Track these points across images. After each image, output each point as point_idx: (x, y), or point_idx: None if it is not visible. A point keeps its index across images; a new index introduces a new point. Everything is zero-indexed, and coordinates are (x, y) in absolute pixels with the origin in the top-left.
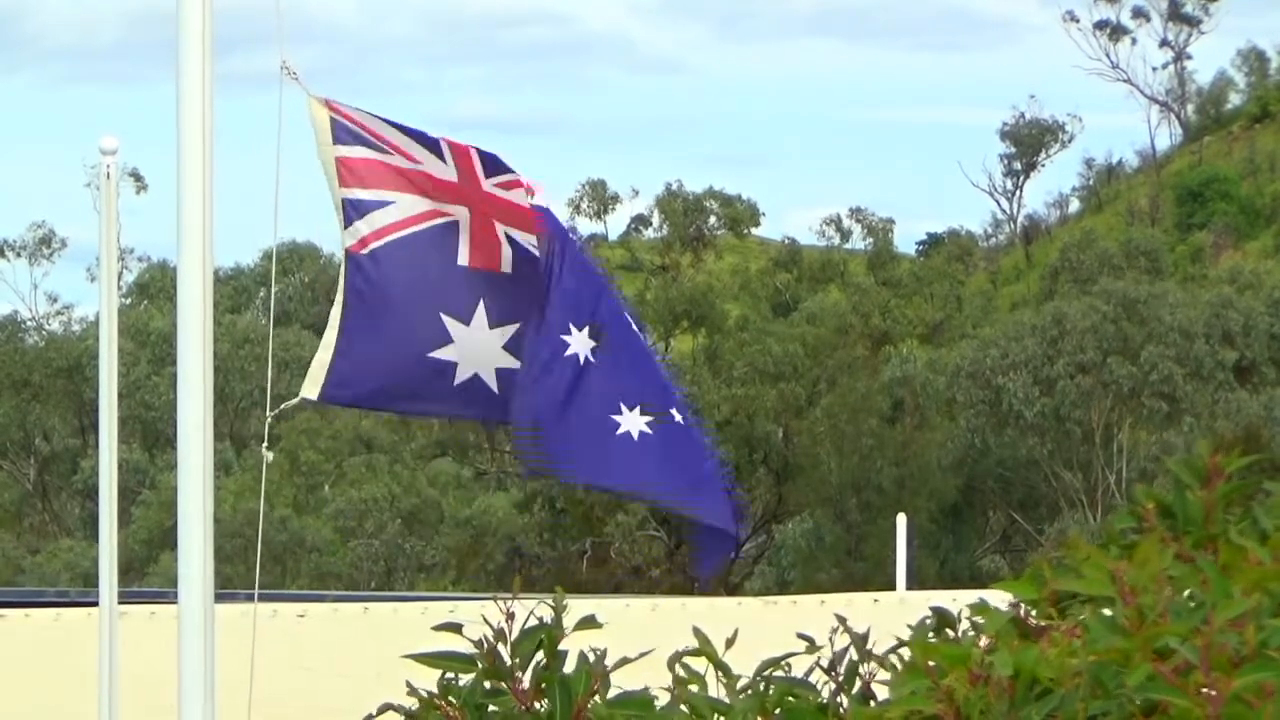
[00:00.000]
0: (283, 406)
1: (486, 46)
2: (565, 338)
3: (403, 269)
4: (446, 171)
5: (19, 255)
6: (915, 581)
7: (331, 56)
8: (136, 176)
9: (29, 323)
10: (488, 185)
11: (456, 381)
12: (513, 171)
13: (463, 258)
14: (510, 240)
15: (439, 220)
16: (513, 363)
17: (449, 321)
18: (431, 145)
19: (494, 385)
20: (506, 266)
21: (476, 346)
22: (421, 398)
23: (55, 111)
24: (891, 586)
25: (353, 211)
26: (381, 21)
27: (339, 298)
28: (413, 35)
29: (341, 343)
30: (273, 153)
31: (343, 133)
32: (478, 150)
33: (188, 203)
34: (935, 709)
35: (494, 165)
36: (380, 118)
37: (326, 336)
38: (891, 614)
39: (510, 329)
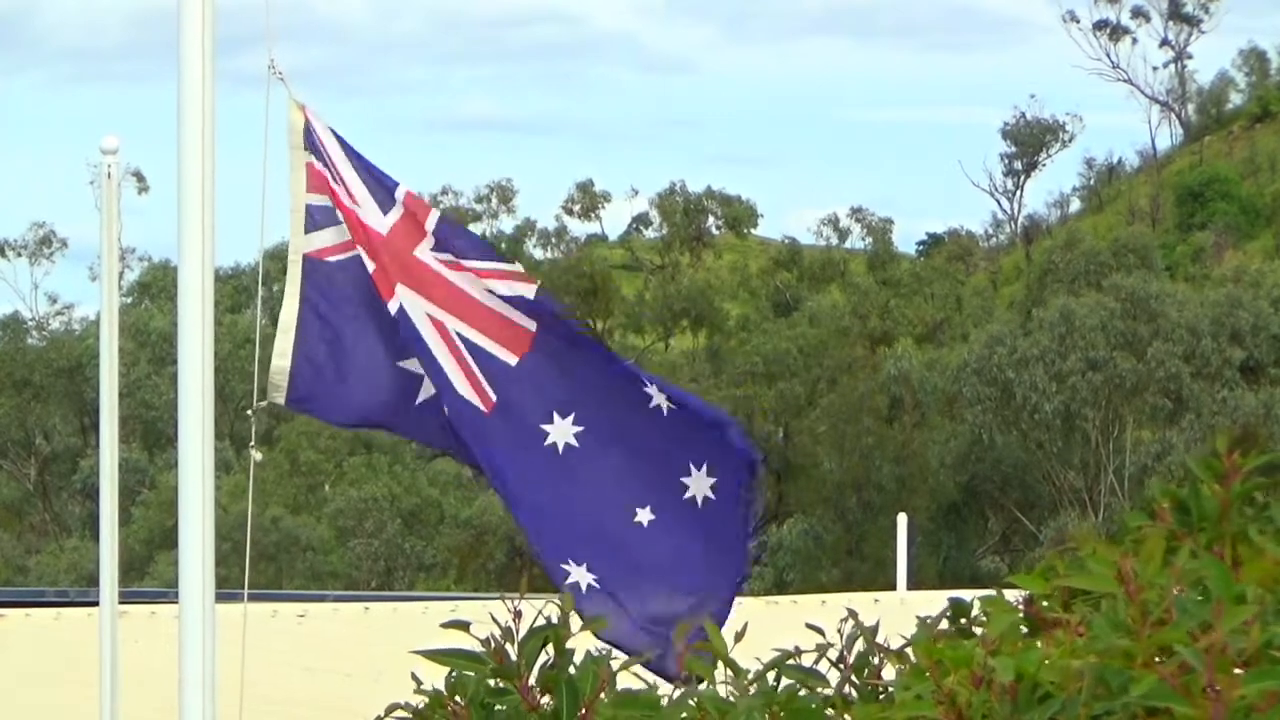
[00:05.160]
0: (256, 406)
1: (493, 46)
2: (545, 426)
3: (364, 282)
4: (379, 223)
5: (20, 255)
6: (915, 581)
7: (338, 55)
8: (139, 176)
9: (30, 322)
10: (424, 254)
11: (419, 399)
12: (495, 259)
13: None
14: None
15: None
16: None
17: None
18: (385, 191)
19: (446, 407)
20: (392, 308)
21: None
22: (389, 411)
23: (60, 111)
24: (892, 586)
25: (316, 218)
26: (388, 21)
27: (293, 303)
28: (419, 34)
29: (301, 350)
30: (274, 152)
31: (310, 143)
32: (447, 223)
33: (188, 202)
34: (937, 713)
35: (466, 247)
36: (344, 143)
37: (280, 344)
38: (892, 614)
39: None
